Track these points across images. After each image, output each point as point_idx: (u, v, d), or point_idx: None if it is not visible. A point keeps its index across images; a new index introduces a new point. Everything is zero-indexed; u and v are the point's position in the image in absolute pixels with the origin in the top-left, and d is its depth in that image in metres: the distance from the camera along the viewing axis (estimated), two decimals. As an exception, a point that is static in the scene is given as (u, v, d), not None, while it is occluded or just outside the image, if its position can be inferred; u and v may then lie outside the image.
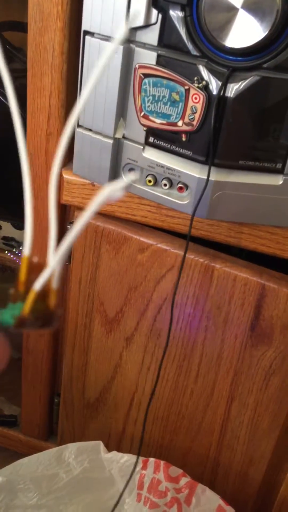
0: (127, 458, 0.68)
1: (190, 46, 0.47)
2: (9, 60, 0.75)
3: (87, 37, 0.51)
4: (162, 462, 0.67)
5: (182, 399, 0.69)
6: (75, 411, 0.79)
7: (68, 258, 0.67)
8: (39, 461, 0.69)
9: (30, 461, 0.69)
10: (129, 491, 0.68)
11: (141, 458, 0.68)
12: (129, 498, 0.68)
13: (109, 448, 0.71)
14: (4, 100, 0.66)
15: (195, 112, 0.49)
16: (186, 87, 0.48)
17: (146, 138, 0.54)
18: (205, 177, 0.51)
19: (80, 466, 0.69)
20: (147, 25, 0.48)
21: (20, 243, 0.76)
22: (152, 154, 0.54)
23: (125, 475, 0.69)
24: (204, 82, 0.47)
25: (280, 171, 0.51)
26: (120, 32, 0.27)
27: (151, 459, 0.68)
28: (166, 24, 0.47)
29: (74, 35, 0.54)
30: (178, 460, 0.73)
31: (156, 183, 0.56)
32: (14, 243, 0.77)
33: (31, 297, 0.29)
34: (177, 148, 0.52)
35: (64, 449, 0.70)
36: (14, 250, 0.77)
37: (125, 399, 0.73)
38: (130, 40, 0.50)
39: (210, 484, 0.69)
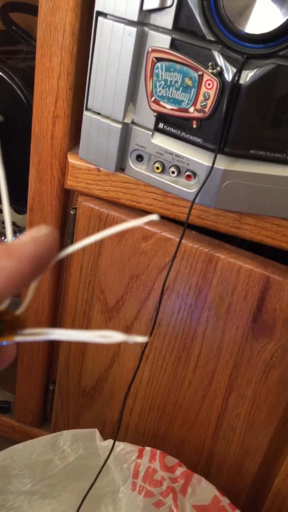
0: (123, 447, 0.68)
1: (205, 30, 0.46)
2: (15, 41, 0.74)
3: (100, 18, 0.50)
4: (158, 452, 0.67)
5: (179, 389, 0.69)
6: (70, 399, 0.78)
7: (70, 244, 0.67)
8: (34, 447, 0.68)
9: (25, 447, 0.68)
10: (123, 480, 0.68)
11: (137, 447, 0.68)
12: (124, 487, 0.68)
13: (103, 437, 0.71)
14: (10, 82, 0.65)
15: (208, 99, 0.48)
16: (200, 73, 0.47)
17: (156, 124, 0.53)
18: (216, 166, 0.51)
19: (75, 453, 0.69)
20: (162, 8, 0.47)
21: (20, 228, 0.75)
22: (161, 141, 0.54)
23: (120, 463, 0.68)
24: (218, 68, 0.46)
25: (290, 162, 0.51)
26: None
27: (147, 448, 0.68)
28: (182, 7, 0.47)
29: (86, 15, 0.53)
30: (173, 450, 0.73)
31: (163, 170, 0.55)
32: (15, 228, 0.76)
33: None
34: (187, 135, 0.52)
35: (59, 436, 0.69)
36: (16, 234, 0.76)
37: (122, 388, 0.73)
38: (144, 23, 0.49)
39: (204, 475, 0.69)
